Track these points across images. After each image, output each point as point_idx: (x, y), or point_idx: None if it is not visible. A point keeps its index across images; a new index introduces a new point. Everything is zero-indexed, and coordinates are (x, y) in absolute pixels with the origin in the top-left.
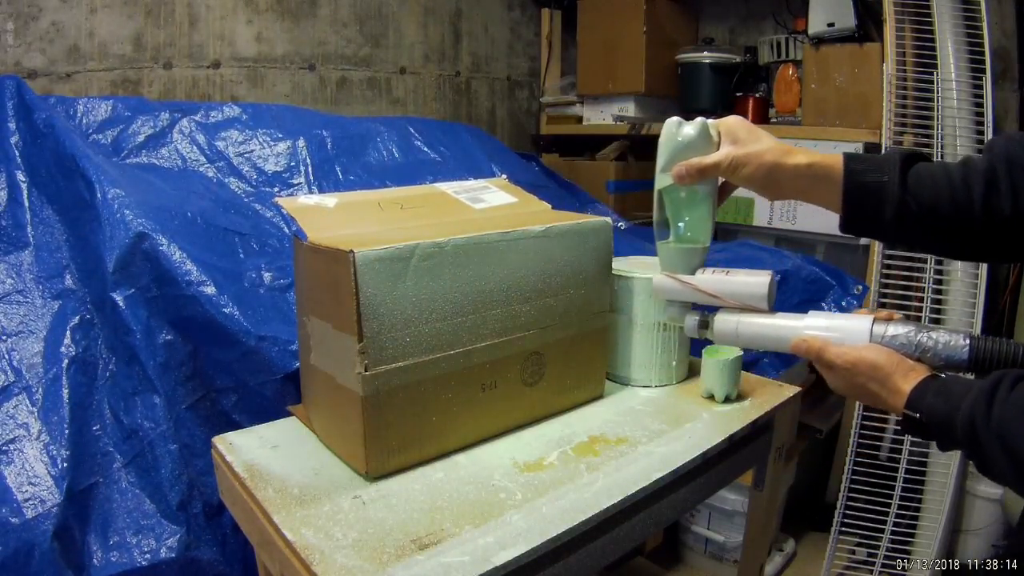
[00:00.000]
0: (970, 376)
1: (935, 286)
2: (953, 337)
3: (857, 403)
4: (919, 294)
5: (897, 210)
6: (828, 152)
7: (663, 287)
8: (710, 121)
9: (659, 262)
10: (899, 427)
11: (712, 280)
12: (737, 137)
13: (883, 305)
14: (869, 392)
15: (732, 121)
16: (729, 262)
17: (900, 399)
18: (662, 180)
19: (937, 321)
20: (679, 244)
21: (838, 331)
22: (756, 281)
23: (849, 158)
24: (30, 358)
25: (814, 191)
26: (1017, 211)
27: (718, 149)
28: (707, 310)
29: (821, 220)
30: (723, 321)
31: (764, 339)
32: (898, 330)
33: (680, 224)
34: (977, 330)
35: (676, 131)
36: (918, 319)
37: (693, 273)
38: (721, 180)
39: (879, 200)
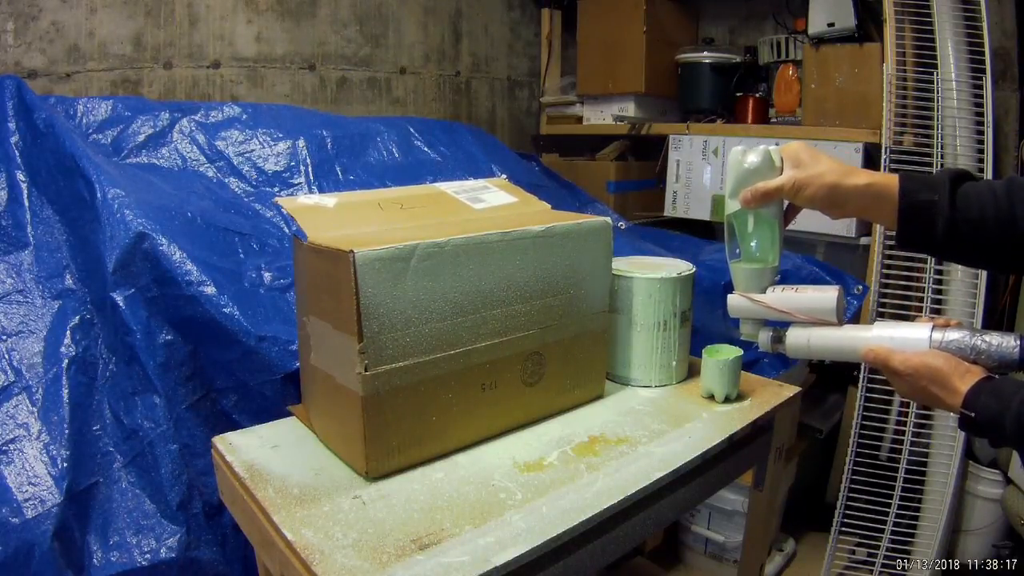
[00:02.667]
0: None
1: (935, 286)
2: (1005, 339)
3: (857, 403)
4: (919, 294)
5: (947, 227)
6: (828, 152)
7: (738, 306)
8: (772, 148)
9: (733, 282)
10: (958, 425)
11: (783, 298)
12: (799, 161)
13: (883, 305)
14: (931, 394)
15: (795, 146)
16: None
17: (957, 399)
18: (731, 206)
19: None
20: (749, 265)
21: (901, 339)
22: (824, 296)
23: (904, 178)
24: (30, 358)
25: (873, 209)
26: None
27: (781, 174)
28: (779, 325)
29: (821, 220)
30: (795, 336)
31: (834, 350)
32: (954, 335)
33: (749, 246)
34: (978, 327)
35: (741, 159)
36: (919, 318)
37: (764, 292)
38: (786, 203)
39: (930, 217)
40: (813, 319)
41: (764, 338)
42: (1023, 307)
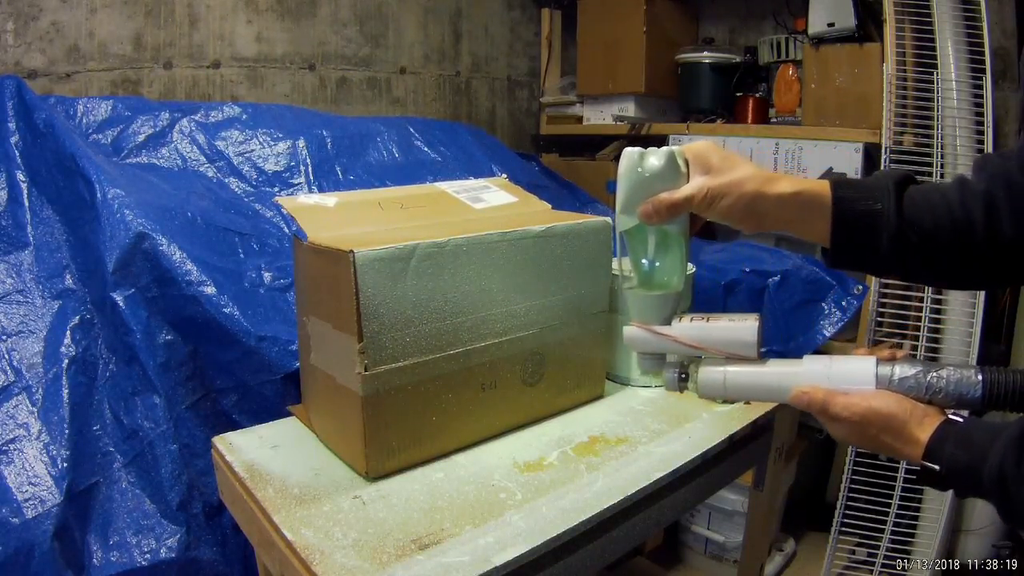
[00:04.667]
0: (981, 411)
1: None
2: (964, 374)
3: None
4: (919, 294)
5: (895, 240)
6: (828, 152)
7: (635, 339)
8: (676, 149)
9: (629, 311)
10: (914, 477)
11: (691, 329)
12: (710, 165)
13: (883, 306)
14: (882, 444)
15: (702, 147)
16: (728, 262)
17: (917, 449)
18: (624, 221)
19: (937, 320)
20: (650, 291)
21: (840, 377)
22: (742, 327)
23: (838, 185)
24: (30, 358)
25: (801, 222)
26: (1020, 232)
27: (687, 180)
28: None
29: None
30: (708, 374)
31: (757, 390)
32: (906, 372)
33: (649, 269)
34: (977, 329)
35: (639, 163)
36: (918, 319)
37: (668, 322)
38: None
39: (873, 230)
40: (728, 353)
41: (669, 377)
42: (1023, 306)
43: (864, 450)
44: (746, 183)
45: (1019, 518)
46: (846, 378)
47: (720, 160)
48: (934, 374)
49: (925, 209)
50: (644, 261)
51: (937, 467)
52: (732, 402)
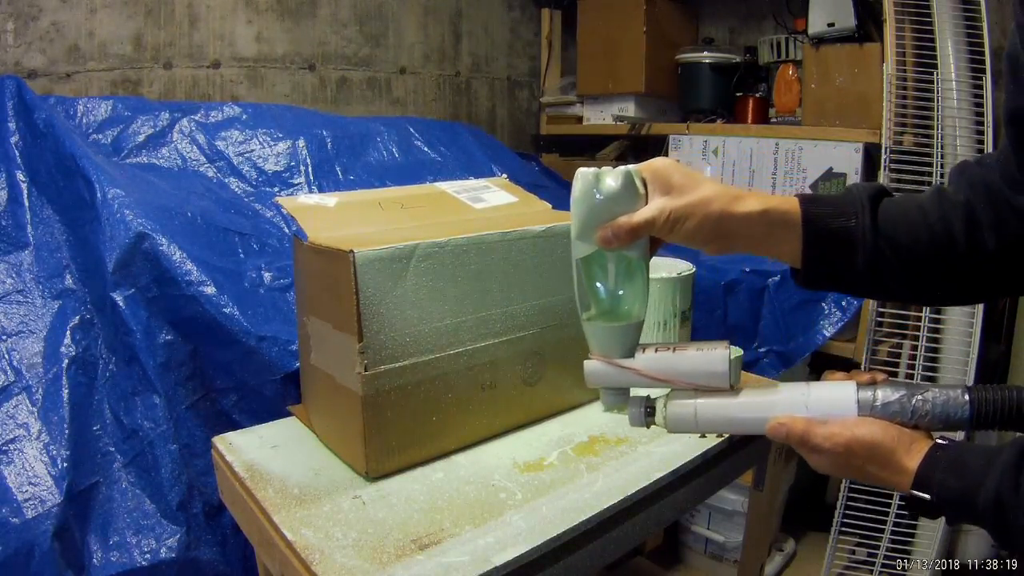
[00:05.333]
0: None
1: None
2: (950, 395)
3: None
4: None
5: (870, 256)
6: (828, 152)
7: (596, 373)
8: (633, 168)
9: (588, 343)
10: (904, 506)
11: (657, 360)
12: (670, 185)
13: (883, 305)
14: (869, 474)
15: (660, 165)
16: (728, 261)
17: (906, 478)
18: (581, 248)
19: (937, 320)
20: (610, 322)
21: (819, 405)
22: (712, 356)
23: (808, 201)
24: (30, 358)
25: (770, 242)
26: (1001, 243)
27: (646, 202)
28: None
29: None
30: (678, 408)
31: (731, 423)
32: (889, 396)
33: (609, 298)
34: (977, 329)
35: (594, 185)
36: (918, 319)
37: (631, 354)
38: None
39: (848, 247)
40: (697, 385)
41: (634, 413)
42: None
43: (849, 479)
44: (710, 203)
45: (1017, 545)
46: (826, 406)
47: (681, 179)
48: (919, 397)
49: (902, 223)
50: (602, 289)
51: (927, 496)
52: (705, 436)
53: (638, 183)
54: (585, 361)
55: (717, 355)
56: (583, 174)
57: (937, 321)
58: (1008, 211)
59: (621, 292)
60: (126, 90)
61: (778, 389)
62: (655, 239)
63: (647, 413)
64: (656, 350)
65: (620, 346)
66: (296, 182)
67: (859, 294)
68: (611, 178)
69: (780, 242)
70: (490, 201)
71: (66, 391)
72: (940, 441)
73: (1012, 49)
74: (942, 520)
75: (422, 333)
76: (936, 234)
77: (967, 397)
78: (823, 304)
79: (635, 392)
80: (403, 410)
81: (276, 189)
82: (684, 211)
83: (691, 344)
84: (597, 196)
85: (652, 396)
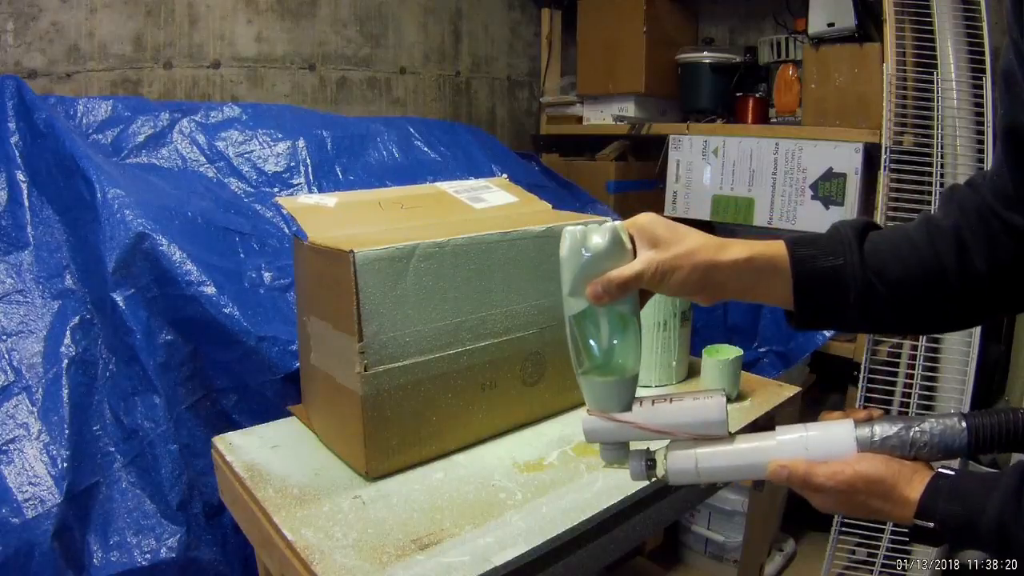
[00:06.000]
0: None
1: None
2: (947, 424)
3: (857, 403)
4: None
5: (861, 293)
6: (828, 152)
7: (595, 429)
8: (619, 224)
9: (585, 398)
10: (908, 536)
11: (654, 413)
12: (656, 238)
13: None
14: (872, 509)
15: (645, 220)
16: None
17: (909, 510)
18: (573, 305)
19: None
20: (604, 378)
21: (818, 445)
22: (709, 405)
23: (794, 243)
24: (30, 358)
25: (759, 288)
26: (993, 265)
27: (634, 256)
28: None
29: (822, 220)
30: (678, 459)
31: (732, 471)
32: (886, 431)
33: (601, 353)
34: (977, 330)
35: (581, 243)
36: None
37: (628, 407)
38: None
39: (838, 286)
40: (696, 435)
41: (635, 467)
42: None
43: (851, 516)
44: (697, 253)
45: (1022, 568)
46: (825, 445)
47: (666, 231)
48: (916, 429)
49: (891, 257)
50: (595, 345)
51: (931, 524)
52: (705, 486)
53: (625, 238)
54: (582, 417)
55: (714, 403)
56: (570, 233)
57: None
58: (999, 228)
59: (614, 347)
60: (126, 90)
61: (774, 433)
62: (644, 292)
63: (648, 467)
64: (653, 402)
65: (617, 400)
66: (296, 182)
67: (853, 330)
68: (598, 235)
69: (770, 287)
70: (490, 201)
71: (66, 391)
72: (941, 471)
73: (1007, 65)
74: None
75: (422, 333)
76: (926, 264)
77: (963, 424)
78: None
79: (635, 446)
80: (403, 410)
81: (276, 189)
82: (671, 263)
83: (687, 394)
84: (585, 254)
85: (652, 448)
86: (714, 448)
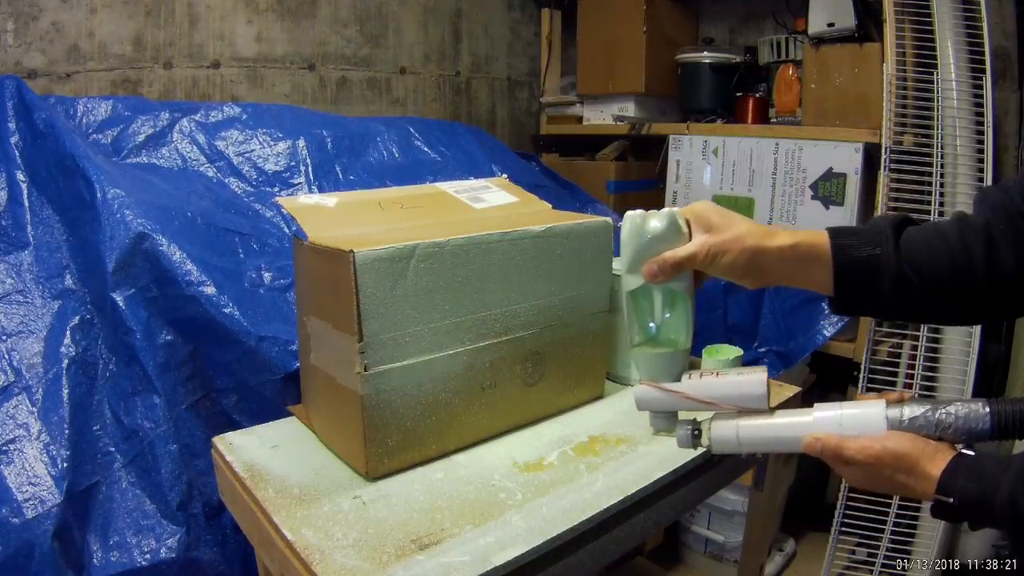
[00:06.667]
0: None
1: None
2: (972, 408)
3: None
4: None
5: (895, 282)
6: (828, 152)
7: (647, 398)
8: (676, 210)
9: (637, 370)
10: (931, 512)
11: (702, 385)
12: (710, 224)
13: None
14: (897, 483)
15: (701, 207)
16: None
17: (931, 485)
18: (630, 282)
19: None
20: (657, 349)
21: (851, 423)
22: (752, 380)
23: (836, 233)
24: (30, 358)
25: (802, 273)
26: (1021, 264)
27: (689, 239)
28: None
29: (821, 221)
30: (721, 428)
31: (770, 441)
32: (915, 411)
33: (656, 327)
34: (977, 330)
35: (642, 225)
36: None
37: (678, 379)
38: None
39: (875, 275)
40: (740, 407)
41: (682, 434)
42: None
43: (878, 491)
44: (745, 238)
45: None
46: (857, 423)
47: (720, 218)
48: (943, 411)
49: (924, 249)
50: (648, 320)
51: (950, 500)
52: (744, 455)
53: (681, 223)
54: (635, 387)
55: (756, 379)
56: (630, 217)
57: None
58: None
59: (667, 322)
60: (126, 90)
61: (811, 410)
62: (699, 275)
63: (694, 435)
64: (701, 375)
65: (667, 371)
66: (296, 182)
67: (889, 317)
68: (656, 220)
69: (812, 273)
70: (490, 201)
71: (66, 391)
72: (963, 451)
73: None
74: (941, 521)
75: (422, 333)
76: (956, 258)
77: (987, 409)
78: (823, 304)
79: (682, 416)
80: (403, 410)
81: (276, 189)
82: (722, 246)
83: (732, 370)
84: (644, 236)
85: (698, 420)
86: (755, 420)
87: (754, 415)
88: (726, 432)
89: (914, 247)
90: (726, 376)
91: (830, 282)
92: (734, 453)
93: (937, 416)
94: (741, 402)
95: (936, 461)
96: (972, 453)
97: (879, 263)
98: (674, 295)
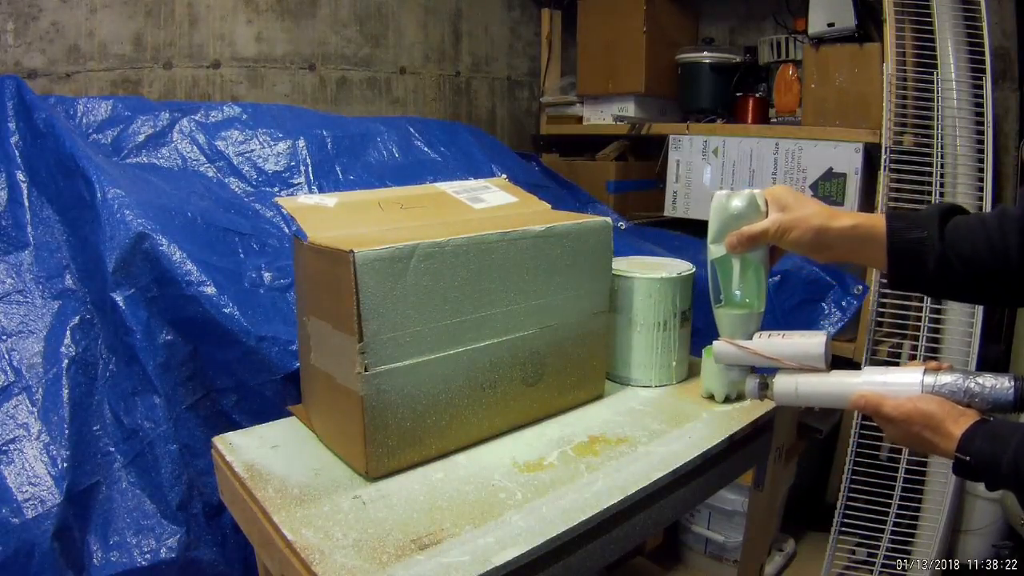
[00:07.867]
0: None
1: None
2: (999, 380)
3: None
4: (919, 295)
5: (938, 264)
6: (828, 152)
7: (724, 353)
8: (757, 192)
9: (718, 328)
10: (952, 470)
11: (770, 344)
12: (784, 204)
13: (883, 305)
14: (924, 440)
15: (779, 190)
16: None
17: (952, 443)
18: (715, 251)
19: (937, 320)
20: (735, 310)
21: (892, 385)
22: (813, 342)
23: (892, 217)
24: (30, 358)
25: (861, 251)
26: None
27: (766, 217)
28: (764, 371)
29: None
30: (783, 383)
31: (823, 397)
32: (947, 379)
33: (734, 291)
34: (977, 330)
35: (726, 203)
36: (918, 319)
37: (750, 337)
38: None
39: (921, 255)
40: (800, 365)
41: (751, 385)
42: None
43: (910, 448)
44: (812, 218)
45: None
46: (897, 385)
47: (793, 200)
48: (972, 380)
49: (965, 236)
50: (729, 285)
51: (967, 458)
52: (801, 408)
53: (760, 203)
54: (715, 343)
55: (817, 342)
56: (718, 196)
57: (937, 321)
58: None
59: (744, 287)
60: (126, 90)
61: (861, 373)
62: (775, 249)
63: (761, 387)
64: (769, 336)
65: (742, 330)
66: (296, 182)
67: (936, 295)
68: (738, 199)
69: (869, 252)
70: (490, 201)
71: (66, 391)
72: (985, 417)
73: None
74: (941, 520)
75: (422, 333)
76: (994, 244)
77: (1011, 383)
78: (823, 304)
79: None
80: (403, 410)
81: (276, 189)
82: (791, 223)
83: (796, 332)
84: (728, 212)
85: (764, 375)
86: (812, 378)
87: (811, 373)
88: (787, 386)
89: (957, 232)
90: (791, 337)
91: (884, 260)
92: (792, 405)
93: (967, 384)
94: (803, 360)
95: (959, 423)
96: (992, 419)
97: (924, 246)
98: (751, 264)
